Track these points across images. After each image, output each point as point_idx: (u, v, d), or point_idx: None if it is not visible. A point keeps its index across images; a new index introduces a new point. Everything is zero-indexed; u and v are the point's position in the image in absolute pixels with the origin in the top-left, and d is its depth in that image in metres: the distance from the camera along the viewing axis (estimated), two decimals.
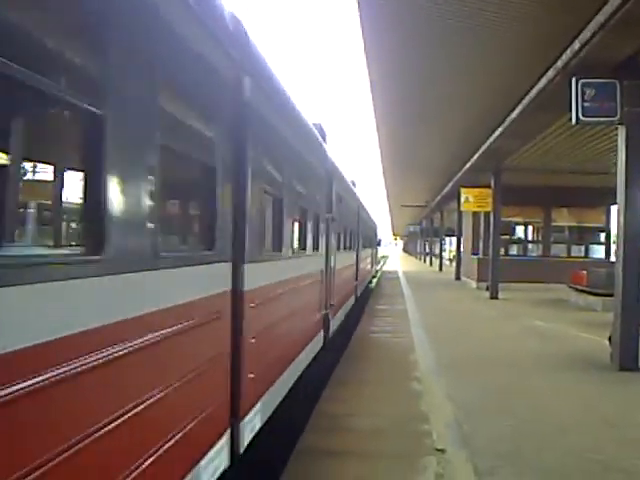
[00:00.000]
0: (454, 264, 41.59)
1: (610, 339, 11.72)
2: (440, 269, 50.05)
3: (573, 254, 32.36)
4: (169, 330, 3.79)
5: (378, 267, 50.45)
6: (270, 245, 6.98)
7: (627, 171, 11.17)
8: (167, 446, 3.75)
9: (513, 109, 15.66)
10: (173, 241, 4.26)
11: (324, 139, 12.58)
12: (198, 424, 4.33)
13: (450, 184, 32.07)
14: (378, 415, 8.15)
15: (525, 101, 14.51)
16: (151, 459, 3.54)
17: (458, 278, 37.06)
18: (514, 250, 33.52)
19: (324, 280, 11.75)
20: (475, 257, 31.50)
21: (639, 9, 8.78)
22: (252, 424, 5.83)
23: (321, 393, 9.24)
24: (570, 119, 11.41)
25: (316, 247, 10.62)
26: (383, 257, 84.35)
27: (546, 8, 10.08)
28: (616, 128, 11.68)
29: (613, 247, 29.07)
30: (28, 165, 2.82)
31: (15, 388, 2.36)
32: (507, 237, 32.24)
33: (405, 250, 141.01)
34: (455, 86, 15.03)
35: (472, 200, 28.76)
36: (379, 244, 51.09)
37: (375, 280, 39.71)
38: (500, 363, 11.81)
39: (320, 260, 11.34)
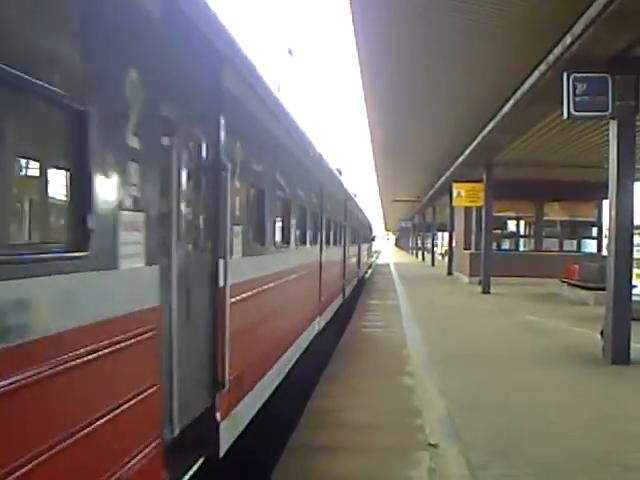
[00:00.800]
0: (446, 259, 41.65)
1: (602, 333, 11.74)
2: (432, 264, 50.13)
3: (565, 248, 32.40)
4: (308, 270, 11.17)
5: (372, 260, 58.63)
6: (325, 240, 14.09)
7: (618, 165, 11.18)
8: (310, 306, 11.55)
9: (505, 103, 15.65)
10: (310, 239, 11.17)
11: (340, 174, 20.80)
12: (313, 308, 11.88)
13: (442, 179, 32.06)
14: (371, 410, 8.15)
15: (517, 95, 14.50)
16: (304, 316, 10.79)
17: (450, 273, 37.13)
18: (506, 245, 33.56)
19: (343, 262, 19.53)
20: (467, 252, 31.54)
21: (630, 3, 8.78)
22: (322, 321, 13.22)
23: (313, 389, 9.23)
24: (562, 113, 11.41)
25: (340, 242, 18.37)
26: (376, 252, 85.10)
27: (538, 1, 10.06)
28: (608, 122, 11.67)
29: (605, 241, 29.21)
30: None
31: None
32: (499, 232, 32.25)
33: (397, 245, 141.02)
34: (447, 80, 15.02)
35: (464, 195, 28.74)
36: (374, 239, 66.15)
37: (370, 271, 44.22)
38: (492, 358, 11.83)
39: (341, 250, 18.94)
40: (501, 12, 10.70)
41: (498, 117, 16.80)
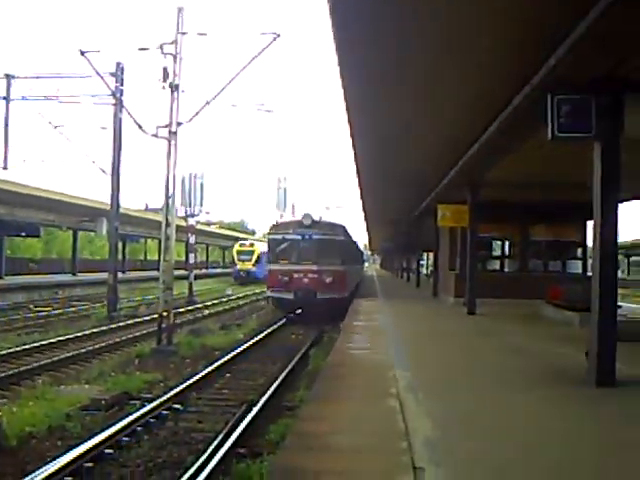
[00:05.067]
0: (431, 280, 41.63)
1: (587, 354, 11.71)
2: (417, 285, 50.10)
3: (550, 269, 32.41)
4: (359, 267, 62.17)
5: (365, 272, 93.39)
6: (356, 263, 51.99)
7: (602, 186, 11.19)
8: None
9: (488, 126, 15.71)
10: (355, 263, 49.29)
11: (357, 243, 60.50)
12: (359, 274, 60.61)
13: (427, 200, 32.15)
14: (356, 432, 8.05)
15: (501, 117, 14.57)
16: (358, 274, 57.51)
17: (436, 294, 37.11)
18: (492, 266, 33.54)
19: (360, 272, 59.39)
20: (452, 272, 31.55)
21: (614, 25, 8.85)
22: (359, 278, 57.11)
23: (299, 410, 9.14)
24: (545, 134, 11.43)
25: (359, 263, 60.43)
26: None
27: (521, 24, 10.13)
28: (592, 143, 11.69)
29: (590, 261, 29.26)
30: None
31: None
32: (484, 252, 32.24)
33: (382, 266, 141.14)
34: (431, 103, 15.08)
35: (449, 216, 28.74)
36: (366, 261, 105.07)
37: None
38: (477, 379, 11.78)
39: (362, 266, 76.58)
40: (483, 33, 10.77)
41: (482, 140, 16.86)
